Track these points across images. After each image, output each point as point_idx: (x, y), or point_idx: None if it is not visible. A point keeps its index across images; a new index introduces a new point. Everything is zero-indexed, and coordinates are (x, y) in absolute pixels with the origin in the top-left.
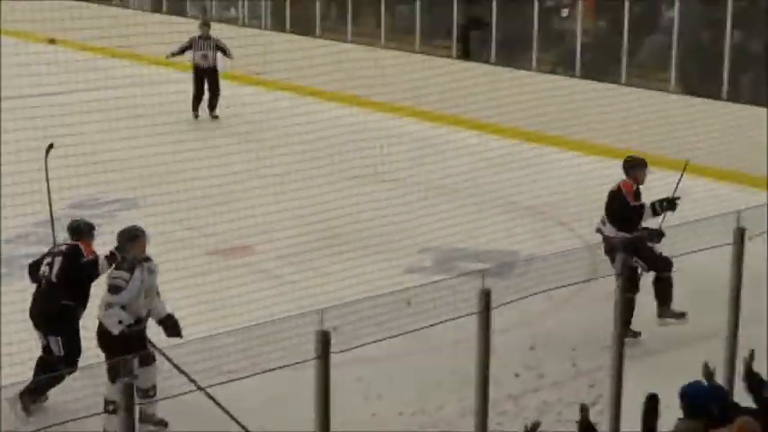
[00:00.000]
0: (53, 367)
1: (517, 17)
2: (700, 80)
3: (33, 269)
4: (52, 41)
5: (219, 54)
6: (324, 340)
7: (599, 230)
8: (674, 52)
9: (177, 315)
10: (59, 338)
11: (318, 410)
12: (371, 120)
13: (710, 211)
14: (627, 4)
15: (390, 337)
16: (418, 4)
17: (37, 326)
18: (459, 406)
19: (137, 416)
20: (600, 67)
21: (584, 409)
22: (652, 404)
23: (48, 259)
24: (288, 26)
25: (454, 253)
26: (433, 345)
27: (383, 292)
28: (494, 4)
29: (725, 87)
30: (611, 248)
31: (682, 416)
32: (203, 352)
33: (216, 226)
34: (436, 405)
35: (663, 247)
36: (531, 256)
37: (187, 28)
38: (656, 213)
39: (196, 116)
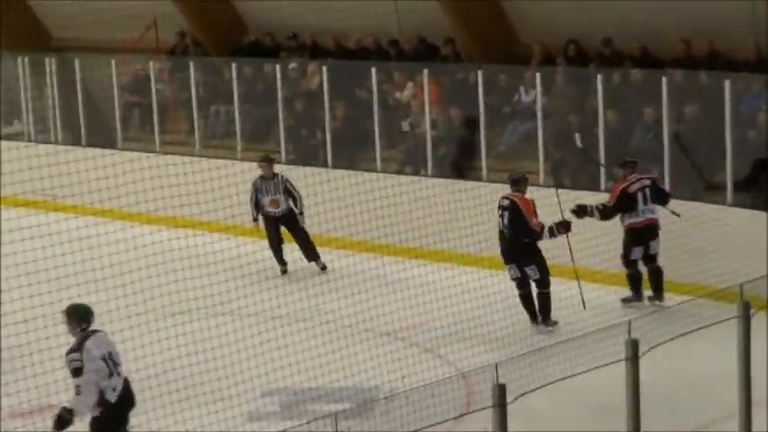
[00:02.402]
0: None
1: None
2: (571, 171)
3: None
4: None
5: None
6: None
7: None
8: (540, 141)
9: None
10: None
11: None
12: (196, 244)
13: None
14: (480, 91)
15: None
16: (236, 103)
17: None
18: None
19: None
20: (457, 161)
21: None
22: None
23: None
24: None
25: (304, 394)
26: None
27: None
28: (325, 99)
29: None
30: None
31: None
32: None
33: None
34: None
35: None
36: (394, 391)
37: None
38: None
39: (284, 271)
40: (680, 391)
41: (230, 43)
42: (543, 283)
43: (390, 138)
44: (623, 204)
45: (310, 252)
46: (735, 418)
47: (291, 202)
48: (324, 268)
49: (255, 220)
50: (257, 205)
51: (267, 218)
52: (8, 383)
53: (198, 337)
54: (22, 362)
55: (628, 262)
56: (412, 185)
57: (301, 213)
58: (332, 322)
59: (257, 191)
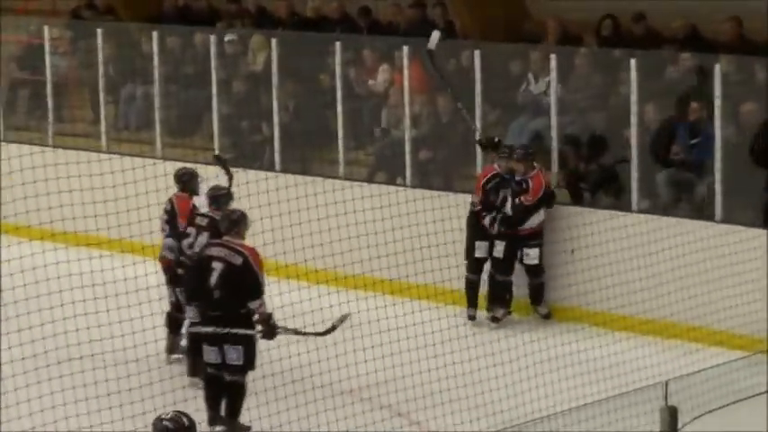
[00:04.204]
0: None
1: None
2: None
3: None
4: None
5: None
6: None
7: None
8: (554, 143)
9: None
10: None
11: None
12: (102, 268)
13: None
14: (477, 77)
15: None
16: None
17: None
18: None
19: None
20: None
21: None
22: None
23: None
24: None
25: None
26: None
27: None
28: (274, 82)
29: (634, 197)
30: None
31: None
32: None
33: None
34: None
35: None
36: None
37: None
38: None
39: None
40: None
41: (151, 6)
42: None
43: (358, 135)
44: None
45: None
46: None
47: None
48: None
49: None
50: None
51: None
52: None
53: (103, 391)
54: None
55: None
56: (385, 198)
57: None
58: (277, 374)
59: None
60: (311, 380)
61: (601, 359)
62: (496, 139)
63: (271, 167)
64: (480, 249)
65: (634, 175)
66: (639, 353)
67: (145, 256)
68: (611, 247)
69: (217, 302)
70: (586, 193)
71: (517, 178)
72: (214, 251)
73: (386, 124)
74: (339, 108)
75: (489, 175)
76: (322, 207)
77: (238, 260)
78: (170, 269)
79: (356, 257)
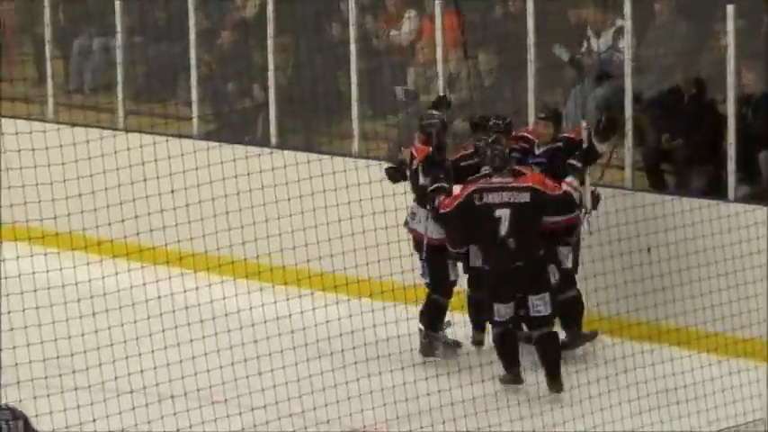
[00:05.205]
0: None
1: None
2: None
3: None
4: None
5: None
6: None
7: None
8: (628, 116)
9: None
10: None
11: None
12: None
13: None
14: (530, 25)
15: None
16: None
17: None
18: None
19: None
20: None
21: None
22: None
23: None
24: None
25: None
26: None
27: None
28: (269, 34)
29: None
30: None
31: None
32: None
33: None
34: None
35: None
36: None
37: None
38: None
39: None
40: None
41: None
42: None
43: (377, 101)
44: None
45: None
46: None
47: None
48: None
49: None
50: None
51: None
52: None
53: None
54: None
55: None
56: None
57: None
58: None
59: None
60: (313, 413)
61: (683, 389)
62: (492, 121)
63: (265, 142)
64: None
65: (730, 154)
66: (734, 380)
67: (102, 254)
68: (699, 245)
69: (514, 253)
70: (671, 176)
71: (539, 149)
72: (491, 197)
73: (412, 86)
74: (353, 66)
75: (465, 153)
76: (330, 192)
77: (525, 197)
78: (421, 241)
79: (368, 257)
